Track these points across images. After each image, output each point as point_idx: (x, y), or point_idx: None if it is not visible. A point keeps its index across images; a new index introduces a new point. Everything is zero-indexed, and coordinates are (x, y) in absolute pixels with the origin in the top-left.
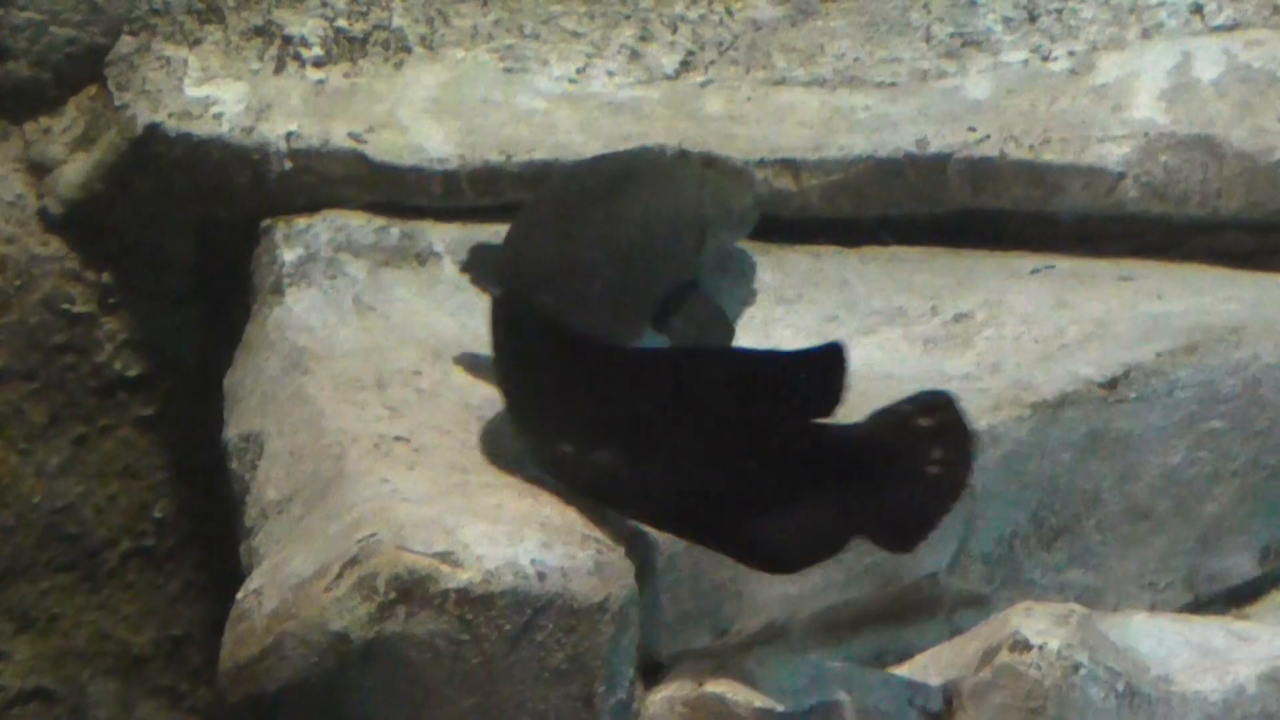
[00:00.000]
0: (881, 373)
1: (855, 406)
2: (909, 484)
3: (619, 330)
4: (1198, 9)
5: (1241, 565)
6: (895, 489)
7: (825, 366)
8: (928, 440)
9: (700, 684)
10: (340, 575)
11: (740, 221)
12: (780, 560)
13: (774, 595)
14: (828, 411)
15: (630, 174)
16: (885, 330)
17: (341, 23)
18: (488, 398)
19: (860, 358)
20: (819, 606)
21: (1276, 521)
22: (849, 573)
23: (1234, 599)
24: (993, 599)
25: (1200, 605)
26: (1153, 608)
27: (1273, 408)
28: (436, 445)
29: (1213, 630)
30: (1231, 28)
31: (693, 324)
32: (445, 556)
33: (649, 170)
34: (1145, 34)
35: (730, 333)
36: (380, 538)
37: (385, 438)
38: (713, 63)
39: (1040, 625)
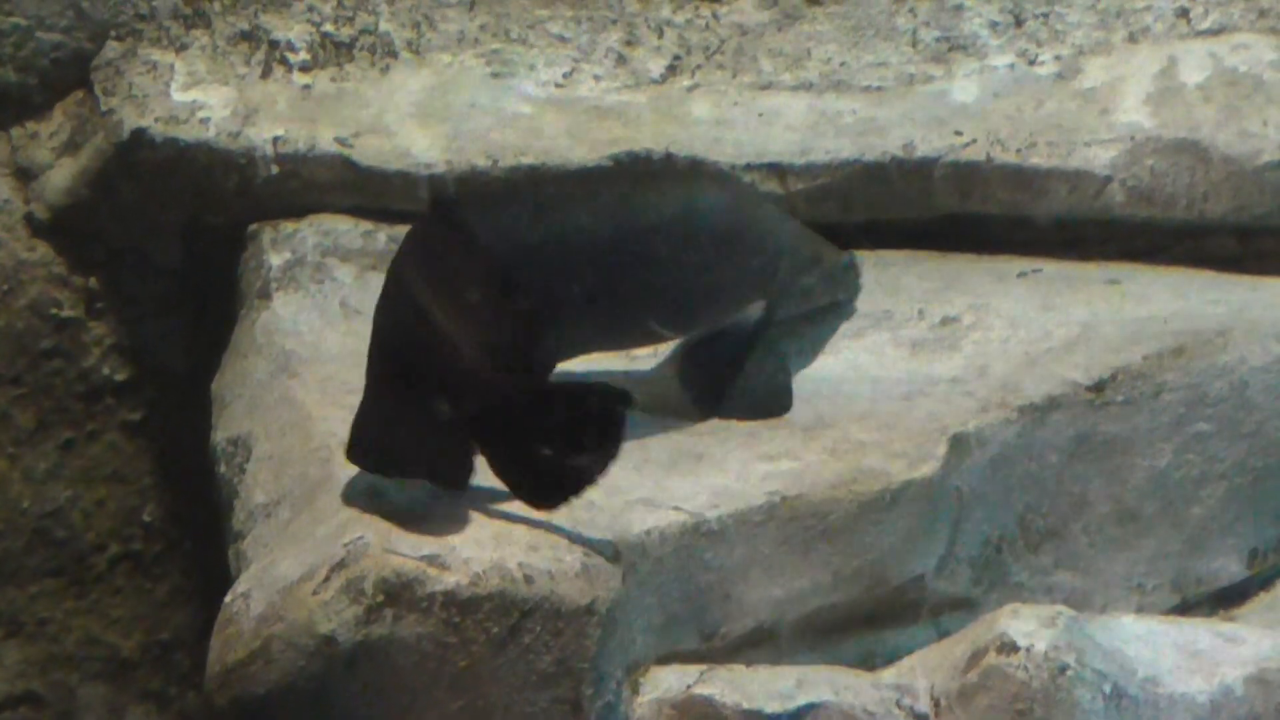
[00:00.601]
0: (869, 376)
1: (841, 409)
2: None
3: (607, 329)
4: (1184, 13)
5: (1229, 567)
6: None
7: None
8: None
9: (688, 687)
10: (328, 578)
11: (828, 279)
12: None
13: (761, 598)
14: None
15: (656, 182)
16: (872, 334)
17: (328, 27)
18: None
19: (847, 361)
20: (806, 610)
21: (1264, 524)
22: (836, 576)
23: (1221, 601)
24: (980, 602)
25: (1188, 607)
26: (1140, 610)
27: (1259, 410)
28: None
29: (1200, 632)
30: (1218, 31)
31: (746, 400)
32: (432, 559)
33: (684, 186)
34: (1131, 38)
35: (784, 408)
36: (367, 540)
37: None
38: (699, 67)
39: (1027, 627)
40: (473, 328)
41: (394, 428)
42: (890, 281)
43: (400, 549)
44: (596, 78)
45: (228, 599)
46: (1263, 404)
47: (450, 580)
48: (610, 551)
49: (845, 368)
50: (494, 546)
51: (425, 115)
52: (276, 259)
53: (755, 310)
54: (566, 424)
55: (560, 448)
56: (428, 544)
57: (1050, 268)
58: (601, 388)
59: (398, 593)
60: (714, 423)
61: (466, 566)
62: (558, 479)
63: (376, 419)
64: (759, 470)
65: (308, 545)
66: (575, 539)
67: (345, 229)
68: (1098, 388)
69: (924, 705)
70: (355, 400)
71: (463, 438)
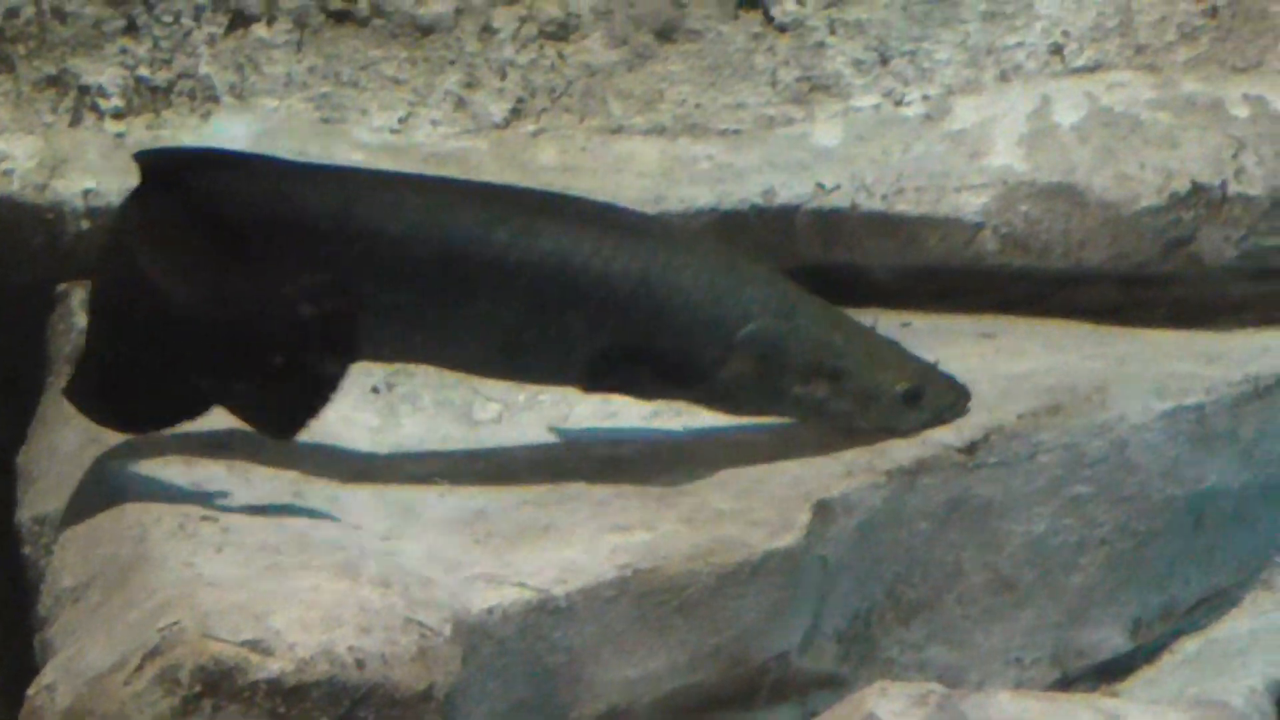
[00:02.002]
0: (729, 439)
1: (698, 475)
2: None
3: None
4: (1057, 50)
5: (1111, 639)
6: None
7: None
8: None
9: None
10: (140, 667)
11: (862, 399)
12: None
13: (614, 680)
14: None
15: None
16: None
17: (143, 71)
18: (304, 473)
19: (704, 423)
20: (663, 691)
21: (1147, 592)
22: (694, 655)
23: (1104, 675)
24: (848, 679)
25: (1069, 682)
26: (1018, 685)
27: (1141, 471)
28: (247, 524)
29: (1080, 709)
30: (1093, 69)
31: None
32: (255, 645)
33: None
34: (1003, 76)
35: None
36: (184, 625)
37: (191, 517)
38: (545, 110)
39: (897, 706)
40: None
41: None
42: None
43: (219, 633)
44: (434, 122)
45: (31, 691)
46: (1143, 464)
47: (274, 667)
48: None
49: (703, 429)
50: (322, 628)
51: None
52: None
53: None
54: (291, 334)
55: (290, 363)
56: (249, 627)
57: (920, 321)
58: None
59: (217, 682)
60: (564, 491)
61: (292, 651)
62: (294, 399)
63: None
64: (610, 542)
65: (119, 631)
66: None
67: None
68: (970, 449)
69: None
70: (172, 472)
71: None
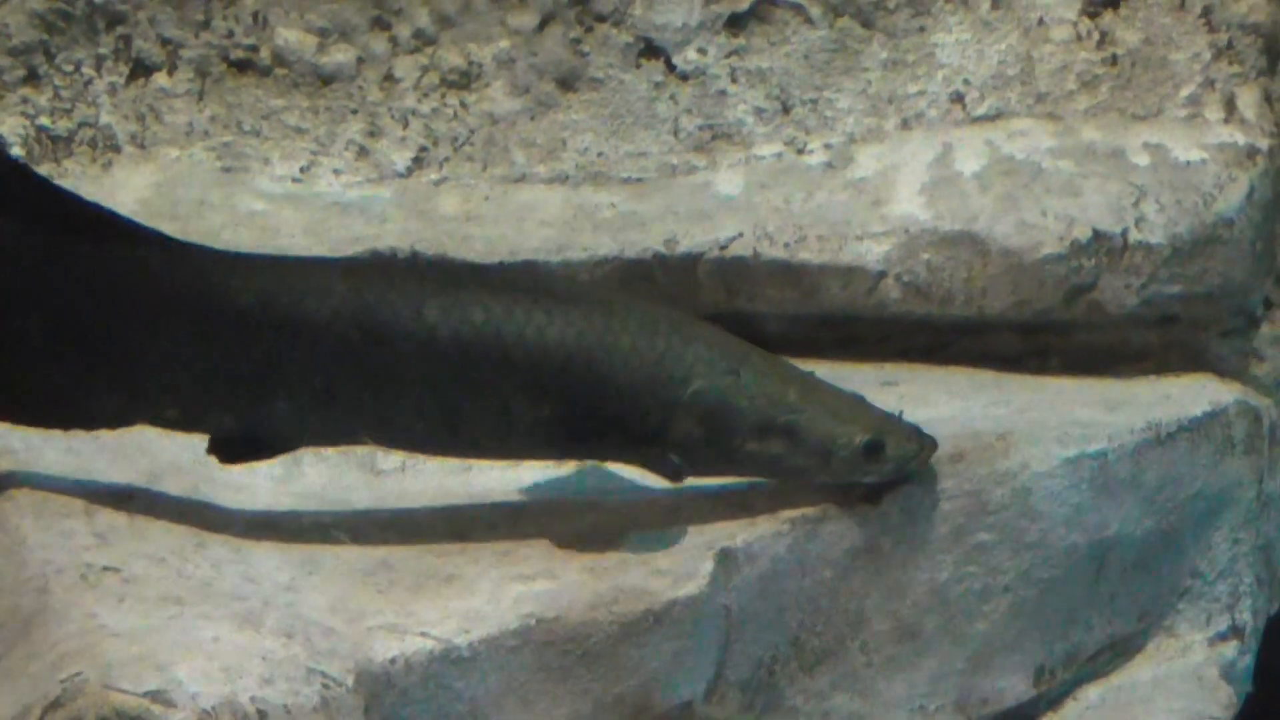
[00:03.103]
0: (631, 487)
1: (601, 524)
2: None
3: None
4: (958, 98)
5: (1015, 686)
6: None
7: None
8: None
9: None
10: (42, 718)
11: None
12: None
13: None
14: None
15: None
16: None
17: (44, 120)
18: (206, 524)
19: (606, 472)
20: None
21: (1051, 639)
22: (597, 704)
23: None
24: None
25: None
26: None
27: (1043, 519)
28: (149, 575)
29: None
30: (994, 118)
31: None
32: (157, 695)
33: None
34: (905, 124)
35: None
36: (86, 677)
37: (93, 567)
38: (447, 159)
39: None
40: None
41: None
42: None
43: (121, 684)
44: (337, 171)
45: None
46: (1046, 511)
47: (177, 718)
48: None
49: (604, 478)
50: (224, 679)
51: (151, 214)
52: None
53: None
54: None
55: None
56: (152, 678)
57: (823, 369)
58: None
59: None
60: (467, 541)
61: (194, 702)
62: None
63: None
64: (513, 591)
65: (21, 683)
66: (314, 669)
67: None
68: (873, 497)
69: None
70: (74, 524)
71: None
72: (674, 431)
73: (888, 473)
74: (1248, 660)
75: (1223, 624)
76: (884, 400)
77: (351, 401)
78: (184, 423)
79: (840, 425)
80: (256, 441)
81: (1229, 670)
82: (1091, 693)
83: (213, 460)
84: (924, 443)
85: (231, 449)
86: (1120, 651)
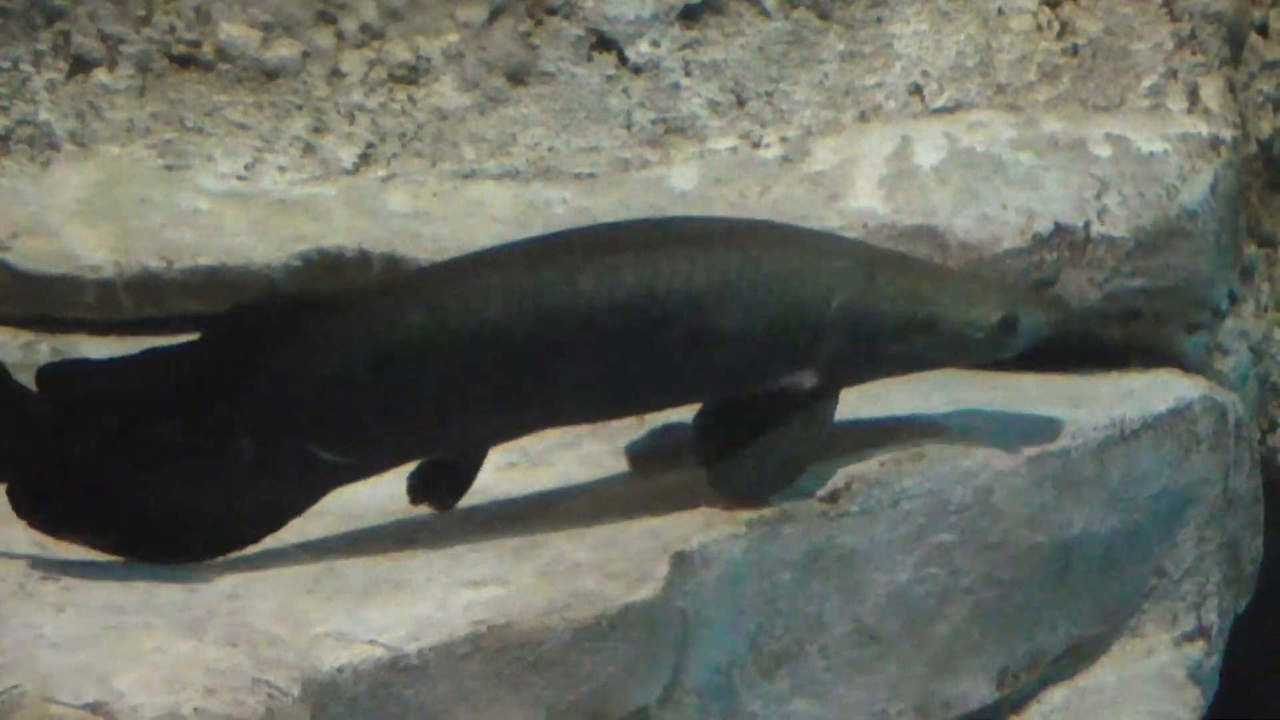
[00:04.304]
0: (586, 489)
1: (554, 526)
2: None
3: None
4: (917, 90)
5: (978, 689)
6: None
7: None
8: None
9: None
10: None
11: (955, 343)
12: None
13: None
14: None
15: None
16: (589, 443)
17: None
18: None
19: (561, 474)
20: None
21: (1014, 641)
22: (551, 711)
23: None
24: None
25: None
26: None
27: (1006, 518)
28: (90, 584)
29: None
30: (953, 109)
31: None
32: (97, 708)
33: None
34: (863, 117)
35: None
36: (24, 689)
37: (32, 577)
38: (395, 155)
39: None
40: None
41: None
42: None
43: (61, 696)
44: (281, 169)
45: None
46: (1009, 511)
47: None
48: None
49: (559, 480)
50: (166, 690)
51: (92, 213)
52: None
53: (797, 381)
54: None
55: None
56: (92, 689)
57: None
58: None
59: None
60: (416, 545)
61: (136, 714)
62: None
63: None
64: (464, 597)
65: None
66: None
67: (1, 341)
68: (832, 497)
69: None
70: (11, 531)
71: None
72: (823, 348)
73: (1022, 345)
74: (1214, 661)
75: (1189, 624)
76: (843, 397)
77: (528, 392)
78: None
79: (974, 308)
80: (450, 470)
81: (1196, 671)
82: (1056, 695)
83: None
84: (1054, 307)
85: (429, 488)
86: (1085, 653)
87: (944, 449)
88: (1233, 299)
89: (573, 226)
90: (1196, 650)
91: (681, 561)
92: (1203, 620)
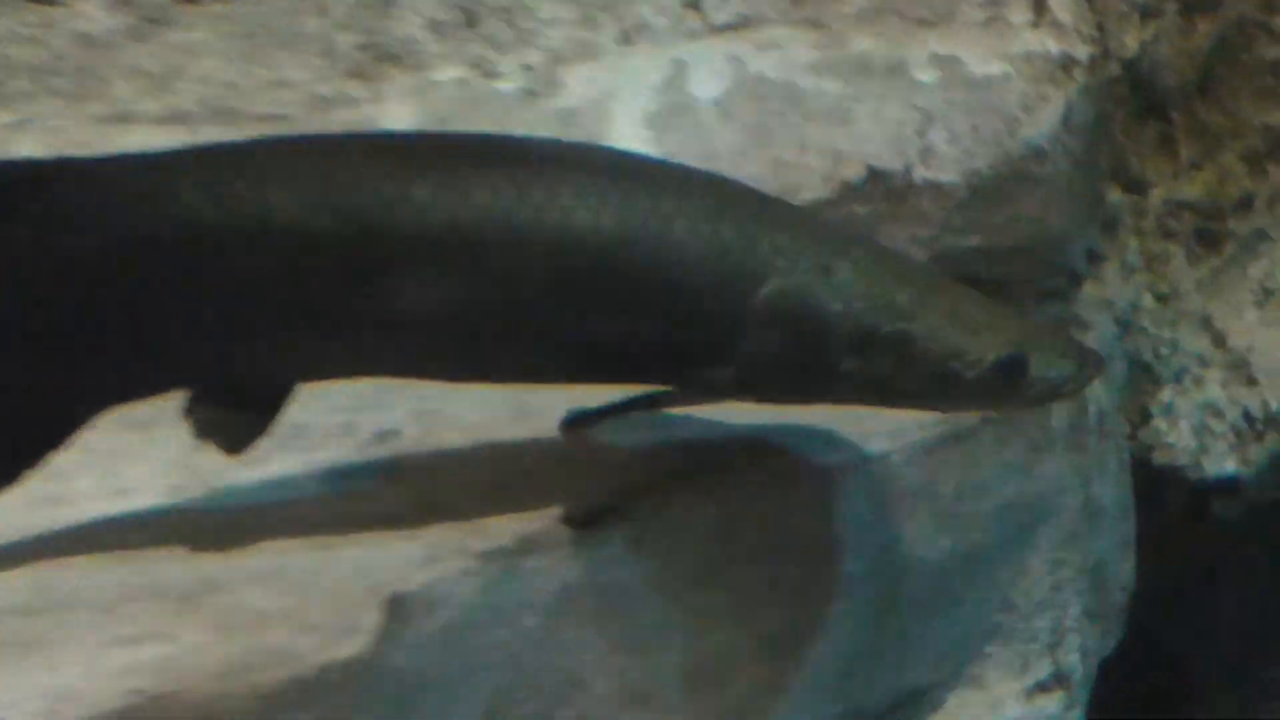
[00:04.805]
0: (276, 517)
1: (234, 565)
2: None
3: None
4: (693, 4)
5: None
6: None
7: None
8: None
9: None
10: None
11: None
12: None
13: None
14: None
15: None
16: (280, 457)
17: None
18: None
19: (244, 497)
20: None
21: (822, 700)
22: None
23: None
24: None
25: None
26: None
27: (812, 545)
28: None
29: None
30: (739, 26)
31: None
32: None
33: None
34: (625, 38)
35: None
36: None
37: None
38: (27, 94)
39: None
40: None
41: None
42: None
43: None
44: None
45: None
46: (815, 536)
47: None
48: None
49: (239, 507)
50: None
51: None
52: None
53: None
54: None
55: None
56: None
57: None
58: None
59: None
60: (55, 592)
61: None
62: None
63: None
64: (116, 659)
65: None
66: None
67: None
68: (590, 521)
69: None
70: None
71: None
72: (745, 346)
73: (1033, 400)
74: (1076, 715)
75: (1043, 670)
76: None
77: (332, 321)
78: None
79: (968, 336)
80: (246, 398)
81: None
82: None
83: None
84: (1084, 359)
85: (215, 422)
86: (912, 712)
87: (736, 461)
88: (1093, 259)
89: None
90: (1053, 703)
91: (397, 607)
92: (1060, 665)
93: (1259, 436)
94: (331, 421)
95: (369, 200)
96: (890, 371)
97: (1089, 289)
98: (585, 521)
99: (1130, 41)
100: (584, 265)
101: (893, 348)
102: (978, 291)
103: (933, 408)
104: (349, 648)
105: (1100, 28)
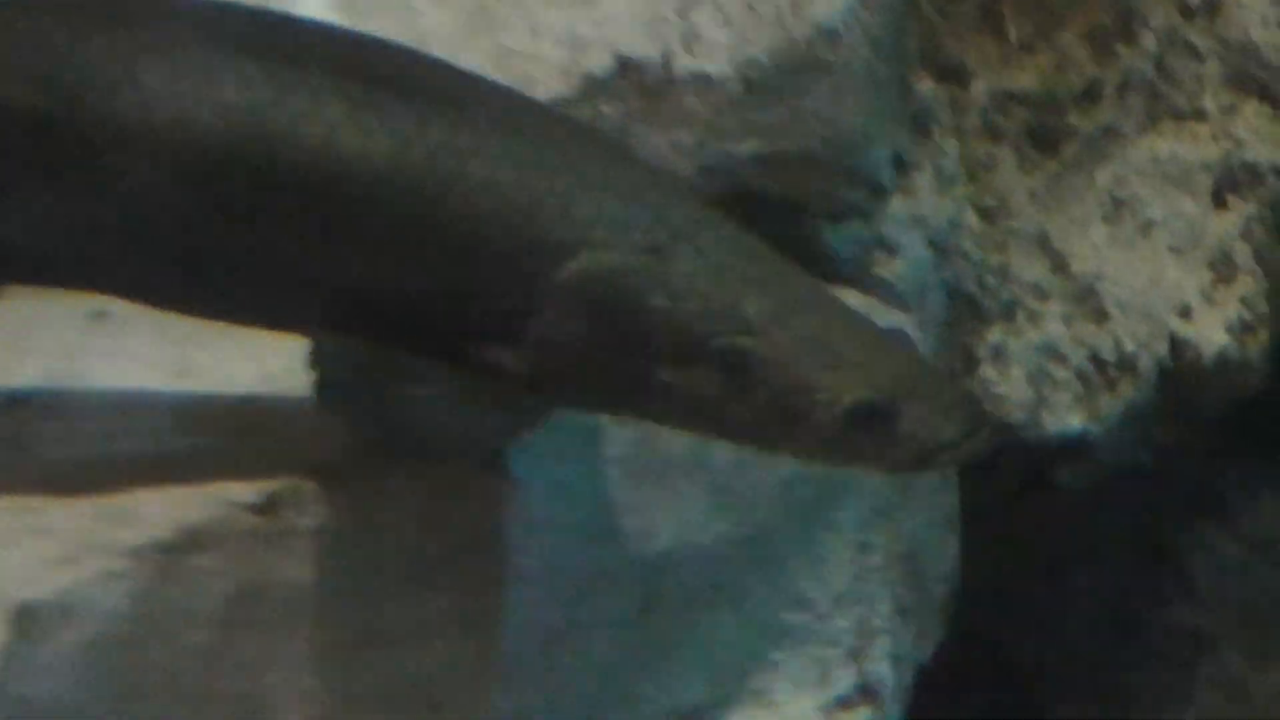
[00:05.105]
0: None
1: None
2: None
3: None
4: None
5: None
6: None
7: None
8: None
9: None
10: None
11: None
12: None
13: None
14: None
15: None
16: None
17: None
18: None
19: None
20: None
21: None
22: None
23: None
24: None
25: None
26: None
27: (550, 532)
28: None
29: None
30: None
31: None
32: None
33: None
34: None
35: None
36: None
37: None
38: None
39: None
40: None
41: None
42: None
43: None
44: None
45: None
46: (554, 523)
47: None
48: None
49: None
50: None
51: None
52: None
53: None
54: None
55: None
56: None
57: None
58: None
59: None
60: None
61: None
62: None
63: None
64: None
65: None
66: None
67: None
68: (269, 506)
69: None
70: None
71: None
72: (538, 327)
73: (899, 464)
74: None
75: (846, 682)
76: (92, 339)
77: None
78: None
79: (824, 369)
80: None
81: None
82: None
83: None
84: (976, 424)
85: None
86: None
87: None
88: (900, 167)
89: None
90: None
91: (26, 620)
92: (867, 674)
93: (1110, 385)
94: None
95: (81, 75)
96: (717, 394)
97: (897, 204)
98: (265, 508)
99: None
100: (341, 195)
101: (724, 366)
102: (868, 319)
103: (770, 449)
104: None
105: None
